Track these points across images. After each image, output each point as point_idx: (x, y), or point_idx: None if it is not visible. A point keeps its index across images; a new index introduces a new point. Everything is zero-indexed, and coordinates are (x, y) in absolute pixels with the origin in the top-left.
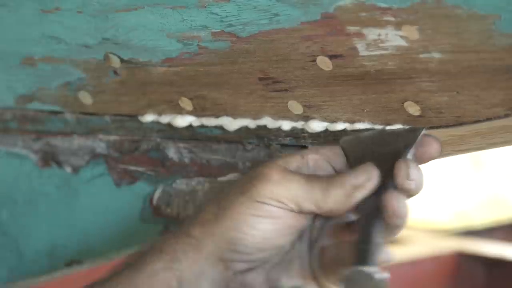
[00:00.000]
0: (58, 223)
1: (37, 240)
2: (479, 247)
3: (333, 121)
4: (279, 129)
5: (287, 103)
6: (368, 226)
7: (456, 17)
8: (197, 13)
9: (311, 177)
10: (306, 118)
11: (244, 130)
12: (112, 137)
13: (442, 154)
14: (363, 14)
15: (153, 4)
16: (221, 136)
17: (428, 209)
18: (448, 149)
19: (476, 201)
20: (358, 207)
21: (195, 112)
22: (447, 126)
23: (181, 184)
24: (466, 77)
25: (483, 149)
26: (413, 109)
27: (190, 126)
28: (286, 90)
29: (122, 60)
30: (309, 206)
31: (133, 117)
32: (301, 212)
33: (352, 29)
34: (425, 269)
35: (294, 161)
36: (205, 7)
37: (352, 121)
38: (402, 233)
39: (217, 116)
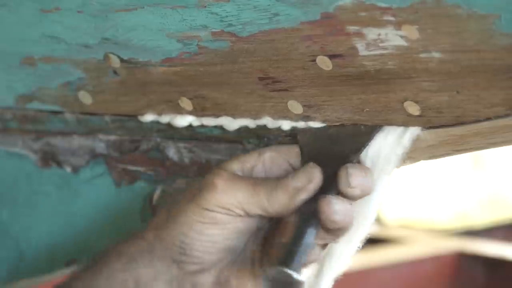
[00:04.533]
0: (58, 223)
1: (37, 240)
2: (479, 247)
3: (333, 121)
4: (279, 129)
5: (287, 102)
6: (301, 228)
7: (456, 16)
8: (197, 13)
9: (257, 182)
10: (306, 118)
11: (244, 130)
12: (112, 137)
13: (442, 154)
14: (363, 13)
15: (153, 4)
16: (221, 136)
17: (428, 209)
18: (448, 149)
19: (476, 201)
20: (301, 208)
21: (195, 112)
22: (447, 126)
23: (181, 184)
24: (466, 77)
25: (483, 149)
26: (413, 109)
27: (190, 126)
28: (286, 89)
29: (122, 60)
30: (255, 210)
31: (133, 117)
32: (248, 216)
33: (352, 28)
34: (425, 269)
35: (251, 159)
36: (205, 7)
37: (352, 121)
38: (399, 233)
39: (217, 116)
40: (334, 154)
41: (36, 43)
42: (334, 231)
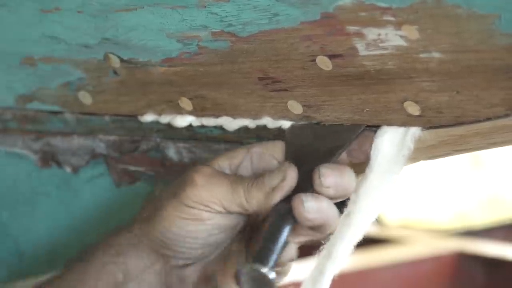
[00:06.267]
0: (58, 223)
1: (37, 240)
2: (479, 247)
3: (333, 121)
4: (279, 129)
5: (287, 103)
6: (277, 225)
7: (456, 16)
8: (197, 13)
9: (236, 179)
10: (306, 118)
11: (244, 130)
12: (112, 137)
13: (442, 154)
14: (363, 13)
15: (153, 4)
16: (221, 136)
17: (428, 209)
18: (448, 149)
19: (476, 201)
20: (277, 206)
21: (195, 112)
22: (447, 126)
23: None
24: (466, 77)
25: (483, 149)
26: (413, 109)
27: (190, 126)
28: (285, 90)
29: (122, 60)
30: (234, 208)
31: (133, 117)
32: (228, 213)
33: (351, 28)
34: (425, 269)
35: (239, 155)
36: (205, 7)
37: (352, 121)
38: (401, 233)
39: (217, 116)
40: (316, 152)
41: (36, 43)
42: (315, 229)
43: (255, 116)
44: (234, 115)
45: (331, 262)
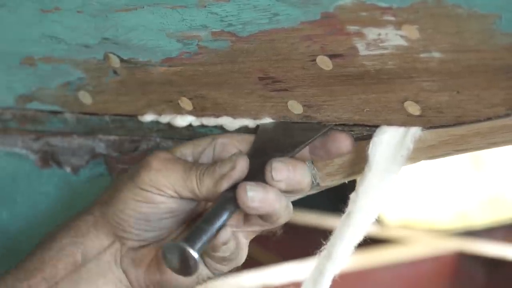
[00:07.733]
0: (58, 223)
1: (37, 240)
2: (479, 247)
3: (333, 121)
4: None
5: (287, 102)
6: (217, 209)
7: (457, 16)
8: (197, 13)
9: (191, 166)
10: (306, 117)
11: (244, 130)
12: (112, 137)
13: (442, 154)
14: (363, 13)
15: (153, 4)
16: None
17: (428, 209)
18: (448, 149)
19: (476, 201)
20: (224, 193)
21: (195, 112)
22: (447, 126)
23: None
24: (466, 77)
25: (483, 149)
26: (413, 109)
27: (190, 126)
28: (286, 89)
29: (121, 60)
30: (186, 193)
31: (133, 117)
32: (181, 198)
33: (352, 28)
34: (425, 269)
35: (203, 143)
36: (205, 6)
37: (352, 121)
38: (398, 233)
39: (217, 116)
40: (279, 146)
41: (36, 43)
42: (263, 218)
43: (255, 116)
44: (234, 115)
45: (331, 263)
